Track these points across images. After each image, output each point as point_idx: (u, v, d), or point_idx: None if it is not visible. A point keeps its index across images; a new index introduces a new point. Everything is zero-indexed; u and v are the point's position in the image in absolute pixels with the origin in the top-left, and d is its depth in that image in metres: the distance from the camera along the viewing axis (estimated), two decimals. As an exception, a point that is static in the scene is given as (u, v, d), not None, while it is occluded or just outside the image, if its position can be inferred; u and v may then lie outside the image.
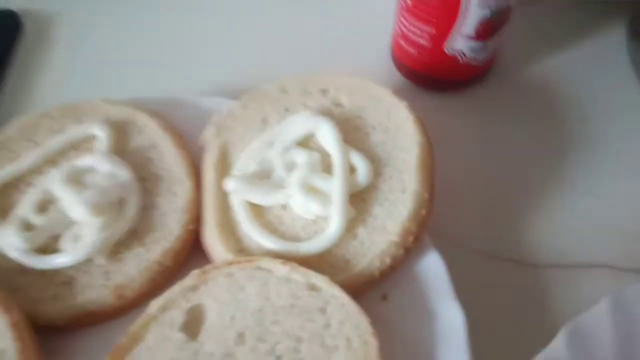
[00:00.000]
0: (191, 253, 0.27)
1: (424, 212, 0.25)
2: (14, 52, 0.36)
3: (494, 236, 0.28)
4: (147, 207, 0.27)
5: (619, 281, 0.26)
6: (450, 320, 0.24)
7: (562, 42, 0.36)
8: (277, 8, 0.38)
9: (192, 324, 0.24)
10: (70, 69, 0.36)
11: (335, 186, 0.25)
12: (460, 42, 0.29)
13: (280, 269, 0.24)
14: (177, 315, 0.24)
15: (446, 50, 0.30)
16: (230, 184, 0.26)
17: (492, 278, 0.26)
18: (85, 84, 0.35)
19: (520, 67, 0.34)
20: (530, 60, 0.35)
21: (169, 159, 0.28)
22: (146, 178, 0.28)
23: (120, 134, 0.29)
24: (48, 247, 0.26)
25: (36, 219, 0.26)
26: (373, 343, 0.22)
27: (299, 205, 0.25)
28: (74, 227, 0.26)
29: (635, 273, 0.26)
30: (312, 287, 0.24)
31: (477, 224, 0.28)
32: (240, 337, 0.23)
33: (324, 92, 0.29)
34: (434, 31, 0.29)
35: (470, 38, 0.29)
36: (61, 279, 0.26)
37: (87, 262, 0.26)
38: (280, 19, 0.38)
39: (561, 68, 0.34)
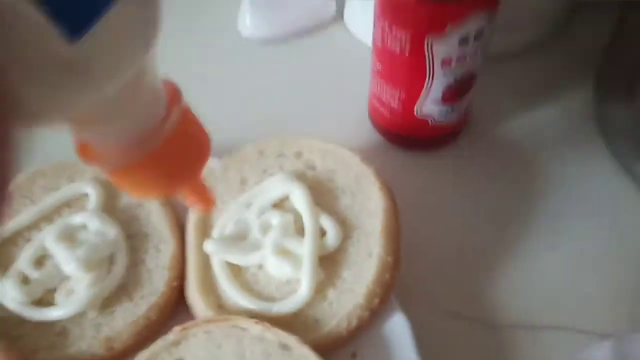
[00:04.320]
0: (177, 307, 0.29)
1: (387, 276, 0.26)
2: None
3: (459, 296, 0.29)
4: (135, 264, 0.29)
5: (581, 343, 0.27)
6: (413, 379, 0.25)
7: (531, 101, 0.37)
8: (262, 71, 0.40)
9: (175, 378, 0.26)
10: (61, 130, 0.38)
11: (305, 250, 0.27)
12: (429, 106, 0.30)
13: (254, 328, 0.26)
14: (160, 369, 0.26)
15: (416, 113, 0.31)
16: (209, 246, 0.28)
17: (456, 337, 0.28)
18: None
19: (491, 126, 0.36)
20: (500, 119, 0.36)
21: (155, 218, 0.30)
22: (134, 235, 0.30)
23: (110, 192, 0.31)
24: (45, 300, 0.28)
25: (33, 273, 0.28)
26: (339, 401, 0.24)
27: (273, 267, 0.27)
28: (68, 281, 0.28)
29: (597, 336, 0.27)
30: (284, 347, 0.26)
31: (443, 284, 0.29)
32: (217, 391, 0.25)
33: (298, 155, 0.31)
34: (403, 95, 0.30)
35: (438, 102, 0.30)
36: (56, 330, 0.28)
37: (80, 314, 0.28)
38: (266, 80, 0.40)
39: (530, 126, 0.35)
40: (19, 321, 0.28)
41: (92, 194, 0.31)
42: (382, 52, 0.30)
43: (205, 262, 0.29)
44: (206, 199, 0.20)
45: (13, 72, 0.10)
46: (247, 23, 0.41)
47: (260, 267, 0.28)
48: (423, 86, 0.29)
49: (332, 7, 0.42)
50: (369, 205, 0.28)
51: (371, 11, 0.30)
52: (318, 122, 0.35)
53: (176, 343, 0.27)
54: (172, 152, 0.17)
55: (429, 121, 0.31)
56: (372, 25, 0.30)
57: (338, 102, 0.37)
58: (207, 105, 0.39)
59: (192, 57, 0.41)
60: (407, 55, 0.28)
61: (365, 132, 0.35)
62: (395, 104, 0.31)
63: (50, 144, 0.36)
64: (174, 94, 0.17)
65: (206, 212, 0.20)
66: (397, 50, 0.29)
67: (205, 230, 0.29)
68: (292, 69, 0.40)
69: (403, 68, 0.29)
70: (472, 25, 0.27)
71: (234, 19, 0.42)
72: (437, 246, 0.31)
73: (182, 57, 0.36)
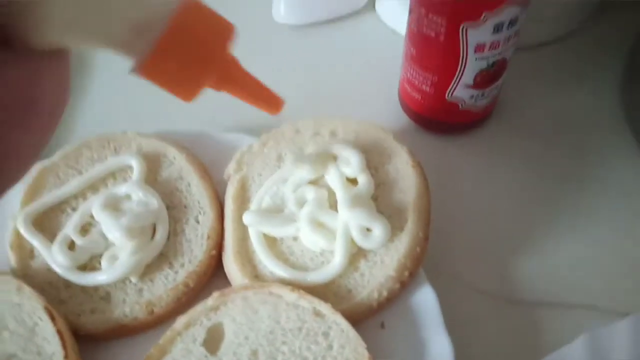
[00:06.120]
0: (214, 275, 0.30)
1: (418, 249, 0.27)
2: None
3: (485, 273, 0.30)
4: (175, 233, 0.31)
5: (600, 321, 0.28)
6: (439, 350, 0.26)
7: (559, 89, 0.38)
8: (296, 56, 0.42)
9: (212, 340, 0.27)
10: (106, 103, 0.40)
11: (339, 222, 0.28)
12: (460, 91, 0.31)
13: (290, 295, 0.27)
14: (199, 332, 0.27)
15: (447, 98, 0.32)
16: (247, 218, 0.29)
17: (481, 312, 0.29)
18: (119, 116, 0.39)
19: (519, 112, 0.36)
20: (528, 106, 0.37)
21: (195, 190, 0.32)
22: (174, 206, 0.32)
23: (153, 165, 0.33)
24: (90, 265, 0.30)
25: (79, 240, 0.30)
26: (368, 366, 0.25)
27: (307, 239, 0.28)
28: (112, 248, 0.30)
29: (616, 314, 0.28)
30: (317, 313, 0.27)
31: (470, 261, 0.30)
32: (254, 355, 0.26)
33: (333, 133, 0.32)
34: (436, 79, 0.31)
35: (470, 87, 0.31)
36: (100, 294, 0.29)
37: (123, 280, 0.29)
38: (299, 65, 0.41)
39: (558, 113, 0.36)
40: (65, 285, 0.29)
41: (136, 166, 0.32)
42: (416, 37, 0.31)
43: (242, 233, 0.30)
44: (270, 97, 0.20)
45: None
46: (281, 10, 0.43)
47: (295, 239, 0.29)
48: (456, 71, 0.30)
49: (365, -5, 0.43)
50: (401, 183, 0.29)
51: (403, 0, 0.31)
52: (349, 107, 0.36)
53: (215, 308, 0.28)
54: (181, 37, 0.17)
55: (460, 105, 0.32)
56: (403, 13, 0.31)
57: (369, 88, 0.38)
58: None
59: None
60: (441, 40, 0.29)
61: (396, 116, 0.36)
62: (427, 87, 0.32)
63: (96, 117, 0.38)
64: None
65: (272, 112, 0.21)
66: (432, 35, 0.30)
67: (243, 203, 0.31)
68: (324, 55, 0.41)
69: (437, 53, 0.30)
70: (506, 13, 0.28)
71: (268, 6, 0.44)
72: (464, 225, 0.32)
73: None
